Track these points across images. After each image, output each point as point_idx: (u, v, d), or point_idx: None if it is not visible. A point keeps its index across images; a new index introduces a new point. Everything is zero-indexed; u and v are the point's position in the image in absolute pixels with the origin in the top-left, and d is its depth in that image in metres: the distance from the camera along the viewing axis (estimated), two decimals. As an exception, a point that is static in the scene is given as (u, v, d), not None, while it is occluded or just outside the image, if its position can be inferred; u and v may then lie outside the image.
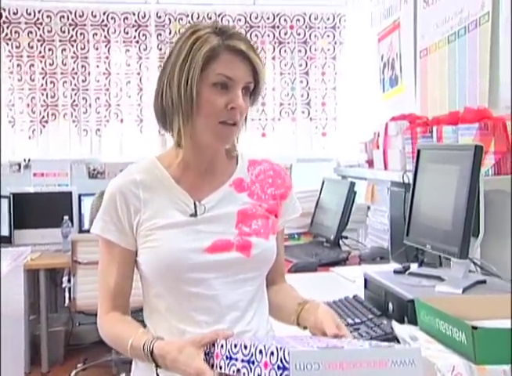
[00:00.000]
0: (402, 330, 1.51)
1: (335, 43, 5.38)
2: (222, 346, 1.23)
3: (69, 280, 4.32)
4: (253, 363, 1.17)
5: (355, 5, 5.07)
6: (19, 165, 5.14)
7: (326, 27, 5.37)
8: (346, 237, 3.22)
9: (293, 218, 1.68)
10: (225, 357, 1.22)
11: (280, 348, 1.11)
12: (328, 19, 5.36)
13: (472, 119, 2.45)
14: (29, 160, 5.14)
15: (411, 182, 2.77)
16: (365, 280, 2.00)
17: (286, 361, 1.09)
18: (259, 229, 1.54)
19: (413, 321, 1.56)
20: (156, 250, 1.46)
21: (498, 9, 2.72)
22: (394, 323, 1.56)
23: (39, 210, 4.85)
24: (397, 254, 2.87)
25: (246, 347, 1.18)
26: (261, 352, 1.15)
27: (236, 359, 1.20)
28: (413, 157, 2.90)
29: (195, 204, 1.51)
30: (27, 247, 3.73)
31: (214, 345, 1.25)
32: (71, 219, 4.82)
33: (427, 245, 1.90)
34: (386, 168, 3.30)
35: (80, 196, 5.06)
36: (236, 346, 1.20)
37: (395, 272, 1.93)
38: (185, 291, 1.47)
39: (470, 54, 3.00)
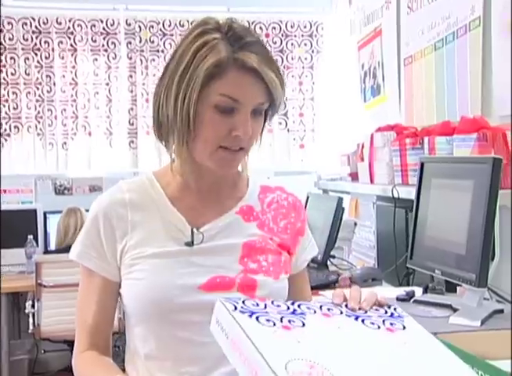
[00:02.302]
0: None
1: (312, 52, 5.28)
2: None
3: (32, 305, 4.10)
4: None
5: (332, 12, 5.00)
6: (-21, 182, 4.92)
7: (302, 35, 5.26)
8: (333, 256, 3.07)
9: (312, 256, 1.50)
10: None
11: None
12: (305, 27, 5.26)
13: (469, 129, 2.34)
14: (-11, 176, 4.90)
15: (401, 196, 2.66)
16: (365, 309, 1.82)
17: None
18: (268, 266, 1.33)
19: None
20: (140, 283, 1.27)
21: (490, 13, 2.64)
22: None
23: (1, 229, 4.59)
24: (387, 273, 2.73)
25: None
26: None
27: None
28: (402, 170, 2.79)
29: (192, 231, 1.31)
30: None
31: None
32: (36, 239, 4.60)
33: (435, 270, 1.73)
34: (372, 181, 3.20)
35: (45, 213, 4.84)
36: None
37: (399, 299, 1.76)
38: (171, 335, 1.27)
39: (459, 61, 2.93)
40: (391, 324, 1.07)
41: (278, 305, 1.05)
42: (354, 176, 3.55)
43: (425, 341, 1.07)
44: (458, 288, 1.90)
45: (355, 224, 3.50)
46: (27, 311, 4.13)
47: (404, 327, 1.08)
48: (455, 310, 1.63)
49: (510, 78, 2.43)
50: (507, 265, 2.00)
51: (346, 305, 1.11)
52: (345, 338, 1.01)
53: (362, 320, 1.07)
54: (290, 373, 0.89)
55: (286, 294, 1.36)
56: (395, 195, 2.69)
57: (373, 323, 1.07)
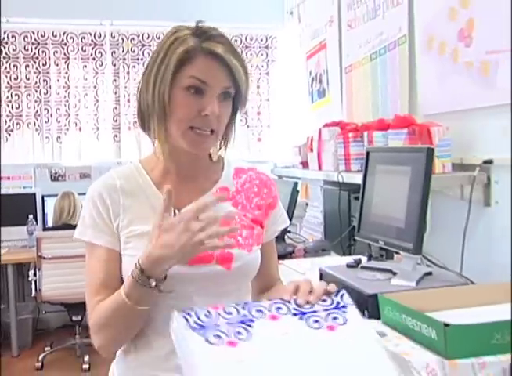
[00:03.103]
0: (368, 325, 1.34)
1: (268, 61, 5.25)
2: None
3: (34, 274, 4.06)
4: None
5: (285, 28, 4.97)
6: (-14, 170, 4.80)
7: (260, 47, 5.23)
8: (289, 232, 3.07)
9: (283, 228, 1.44)
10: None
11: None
12: (262, 39, 5.22)
13: (400, 125, 2.36)
14: (-4, 165, 4.79)
15: (345, 181, 2.68)
16: (321, 275, 1.81)
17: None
18: (242, 240, 1.28)
19: (374, 316, 1.38)
20: (133, 260, 1.18)
21: (413, 32, 2.67)
22: (360, 319, 1.39)
23: (6, 210, 4.51)
24: (333, 244, 2.75)
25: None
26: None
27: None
28: (346, 159, 2.80)
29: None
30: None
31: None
32: (35, 218, 4.56)
33: (379, 241, 1.73)
34: (320, 168, 3.19)
35: (43, 197, 4.77)
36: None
37: (348, 266, 1.75)
38: (160, 302, 1.21)
39: (390, 70, 2.95)
40: (334, 319, 1.00)
41: (229, 313, 0.97)
42: (304, 164, 3.54)
43: (360, 339, 0.98)
44: (395, 256, 1.91)
45: (306, 204, 3.50)
46: (29, 278, 4.11)
47: (344, 322, 1.00)
48: (394, 274, 1.62)
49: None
50: (435, 236, 2.04)
51: (296, 300, 1.03)
52: (288, 346, 0.94)
53: (307, 318, 0.99)
54: None
55: (258, 262, 1.32)
56: (340, 180, 2.69)
57: (316, 321, 0.99)
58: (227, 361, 0.89)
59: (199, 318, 0.95)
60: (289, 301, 1.02)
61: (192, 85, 1.18)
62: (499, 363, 1.13)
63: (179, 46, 1.18)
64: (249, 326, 0.95)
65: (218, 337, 0.92)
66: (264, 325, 0.96)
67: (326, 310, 1.01)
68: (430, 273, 1.64)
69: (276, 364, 0.90)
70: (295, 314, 1.00)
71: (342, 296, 1.05)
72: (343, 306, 1.02)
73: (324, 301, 1.03)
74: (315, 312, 1.00)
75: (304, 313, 1.00)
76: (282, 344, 0.94)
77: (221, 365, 0.88)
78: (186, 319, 0.94)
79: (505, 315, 1.21)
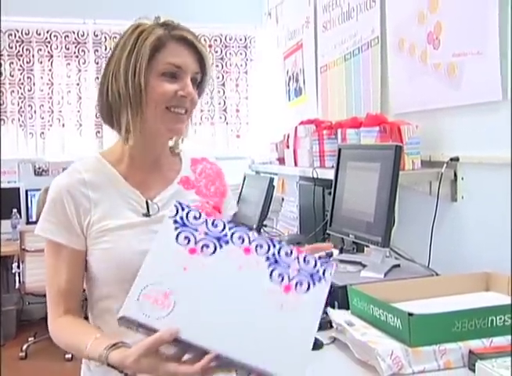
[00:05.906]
0: (337, 315, 1.35)
1: (247, 60, 5.24)
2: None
3: (18, 266, 4.02)
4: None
5: (263, 28, 4.96)
6: (-29, 165, 4.73)
7: (239, 47, 5.21)
8: (265, 225, 3.07)
9: (233, 213, 1.45)
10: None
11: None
12: (241, 39, 5.21)
13: (372, 123, 2.38)
14: (-20, 160, 4.71)
15: (319, 177, 2.69)
16: (294, 267, 1.81)
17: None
18: None
19: (344, 306, 1.40)
20: (109, 251, 1.18)
21: (385, 34, 2.68)
22: (329, 309, 1.40)
23: (-10, 204, 4.46)
24: (308, 238, 2.75)
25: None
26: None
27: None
28: (320, 156, 2.81)
29: (147, 202, 1.23)
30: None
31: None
32: (19, 212, 4.51)
33: (349, 235, 1.74)
34: (296, 164, 3.20)
35: (27, 191, 4.72)
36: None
37: (320, 258, 1.75)
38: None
39: (363, 70, 2.96)
40: (298, 283, 0.90)
41: (216, 225, 0.92)
42: (281, 160, 3.56)
43: (302, 313, 0.88)
44: (365, 249, 1.93)
45: (282, 199, 3.50)
46: (13, 271, 4.08)
47: (305, 292, 0.89)
48: (364, 266, 1.64)
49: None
50: (404, 230, 2.06)
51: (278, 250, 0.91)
52: (233, 282, 0.87)
53: (275, 269, 0.89)
54: (141, 296, 0.84)
55: None
56: (315, 176, 2.70)
57: (280, 275, 0.89)
58: (175, 262, 0.87)
59: (187, 215, 0.92)
60: (280, 242, 0.91)
61: (168, 71, 1.19)
62: (459, 350, 1.16)
63: (149, 35, 1.19)
64: (220, 246, 0.90)
65: (187, 239, 0.89)
66: (232, 252, 0.89)
67: (299, 270, 0.90)
68: (398, 266, 1.65)
69: (209, 291, 0.86)
70: (268, 258, 0.89)
71: (326, 270, 0.92)
72: (319, 278, 0.91)
73: (307, 262, 0.92)
74: (288, 266, 0.90)
75: (276, 263, 0.89)
76: (230, 276, 0.88)
77: (167, 262, 0.86)
78: (177, 211, 0.92)
79: (466, 304, 1.24)
